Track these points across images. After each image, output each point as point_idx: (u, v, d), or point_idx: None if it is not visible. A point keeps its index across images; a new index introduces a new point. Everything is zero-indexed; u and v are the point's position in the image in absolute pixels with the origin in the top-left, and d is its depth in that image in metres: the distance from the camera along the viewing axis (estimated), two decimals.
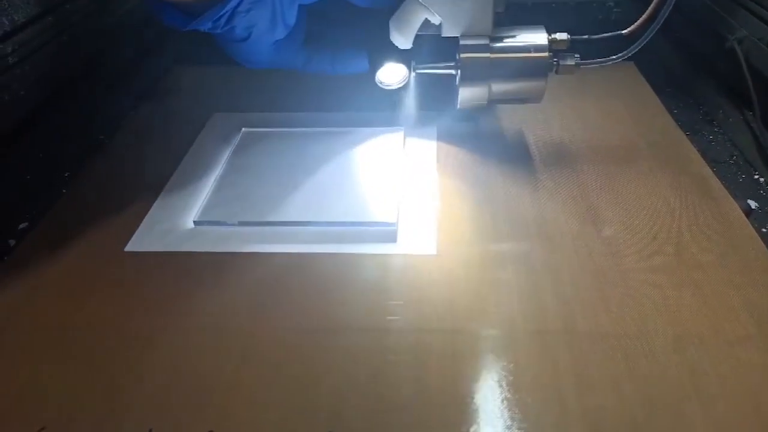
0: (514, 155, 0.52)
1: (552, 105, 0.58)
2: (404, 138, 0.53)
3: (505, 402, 0.32)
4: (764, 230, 0.45)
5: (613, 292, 0.38)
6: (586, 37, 0.48)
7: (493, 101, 0.50)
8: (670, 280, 0.39)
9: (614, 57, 0.47)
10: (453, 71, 0.49)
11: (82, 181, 0.51)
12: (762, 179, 0.50)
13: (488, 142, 0.53)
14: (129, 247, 0.43)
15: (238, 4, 0.39)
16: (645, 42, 0.45)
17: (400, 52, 0.48)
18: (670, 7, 0.43)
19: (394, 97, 0.53)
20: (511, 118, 0.57)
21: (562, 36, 0.48)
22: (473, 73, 0.47)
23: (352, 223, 0.44)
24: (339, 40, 0.50)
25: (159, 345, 0.36)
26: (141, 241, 0.44)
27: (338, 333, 0.37)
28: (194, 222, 0.45)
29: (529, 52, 0.47)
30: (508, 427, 0.31)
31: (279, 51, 0.47)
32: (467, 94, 0.48)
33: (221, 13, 0.39)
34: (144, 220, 0.45)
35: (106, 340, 0.37)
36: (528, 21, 0.79)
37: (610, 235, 0.42)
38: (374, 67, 0.50)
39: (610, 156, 0.51)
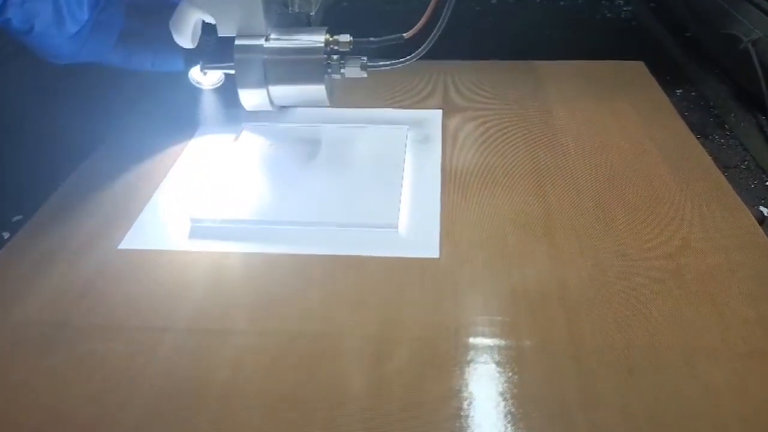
0: (520, 156, 0.50)
1: (560, 105, 0.57)
2: (408, 136, 0.52)
3: (509, 416, 0.31)
4: None
5: (622, 302, 0.37)
6: (367, 39, 0.47)
7: (280, 104, 0.48)
8: (681, 289, 0.38)
9: (401, 60, 0.47)
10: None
11: (77, 174, 0.50)
12: None
13: (493, 142, 0.52)
14: (123, 245, 0.42)
15: None
16: (431, 45, 0.45)
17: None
18: (450, 11, 0.43)
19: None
20: (516, 118, 0.56)
21: (344, 38, 0.47)
22: (248, 75, 0.46)
23: (354, 225, 0.43)
24: (157, 37, 0.48)
25: (153, 345, 0.35)
26: (135, 239, 0.43)
27: (336, 337, 0.35)
28: (191, 220, 0.44)
29: (304, 53, 0.46)
30: None
31: (85, 45, 0.45)
32: (248, 96, 0.47)
33: None
34: (139, 217, 0.44)
35: (99, 338, 0.36)
36: (534, 18, 0.79)
37: (619, 242, 0.41)
38: (190, 66, 0.50)
39: (618, 158, 0.50)
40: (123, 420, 0.31)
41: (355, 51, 0.47)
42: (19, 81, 0.53)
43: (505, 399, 0.32)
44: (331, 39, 0.46)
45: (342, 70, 0.47)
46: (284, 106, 0.50)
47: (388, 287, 0.39)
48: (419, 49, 0.45)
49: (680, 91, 0.62)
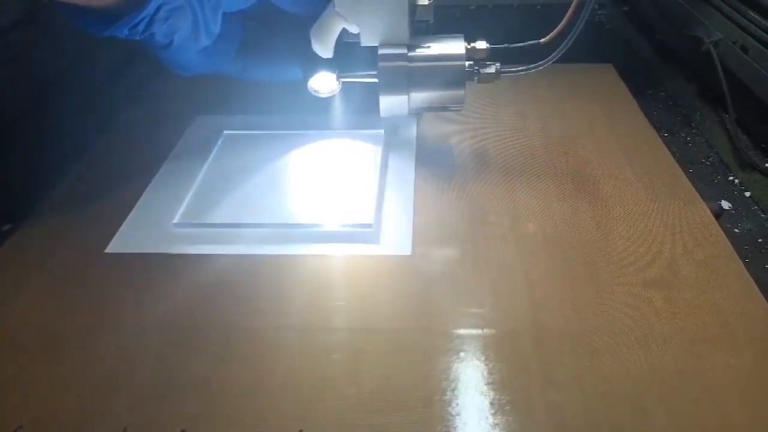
0: (491, 157, 0.52)
1: (531, 107, 0.59)
2: (384, 140, 0.54)
3: (475, 399, 0.33)
4: (736, 231, 0.46)
5: (583, 293, 0.39)
6: (504, 45, 0.49)
7: (416, 109, 0.50)
8: (638, 280, 0.40)
9: (535, 65, 0.48)
10: (375, 80, 0.49)
11: (64, 182, 0.52)
12: (736, 180, 0.51)
13: (465, 144, 0.54)
14: (110, 248, 0.44)
15: (156, 11, 0.39)
16: (564, 50, 0.45)
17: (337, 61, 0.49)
18: (586, 17, 0.44)
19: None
20: (489, 120, 0.58)
21: (481, 44, 0.48)
22: (392, 82, 0.47)
23: (331, 225, 0.45)
24: (274, 48, 0.50)
25: (139, 345, 0.37)
26: (122, 243, 0.44)
27: (315, 332, 0.37)
28: (174, 224, 0.45)
29: (447, 60, 0.47)
30: (478, 423, 0.32)
31: (209, 58, 0.47)
32: (388, 103, 0.49)
33: (138, 20, 0.38)
34: (125, 221, 0.46)
35: (87, 340, 0.37)
36: (513, 23, 0.81)
37: (583, 238, 0.43)
38: (308, 75, 0.51)
39: (585, 159, 0.51)
40: (111, 411, 0.33)
41: (490, 57, 0.49)
42: (6, 90, 0.54)
43: (475, 384, 0.34)
44: (468, 46, 0.48)
45: (476, 76, 0.49)
46: (416, 112, 0.51)
47: (363, 284, 0.41)
48: (552, 55, 0.46)
49: (650, 91, 0.64)
